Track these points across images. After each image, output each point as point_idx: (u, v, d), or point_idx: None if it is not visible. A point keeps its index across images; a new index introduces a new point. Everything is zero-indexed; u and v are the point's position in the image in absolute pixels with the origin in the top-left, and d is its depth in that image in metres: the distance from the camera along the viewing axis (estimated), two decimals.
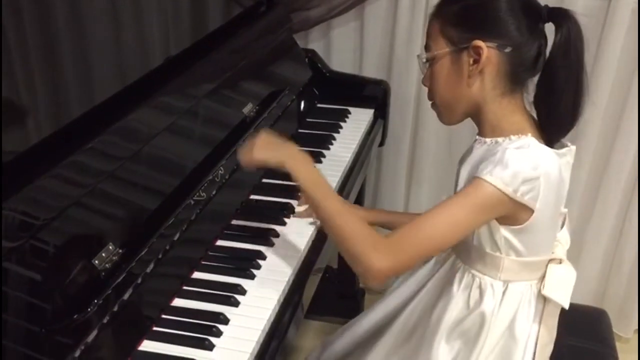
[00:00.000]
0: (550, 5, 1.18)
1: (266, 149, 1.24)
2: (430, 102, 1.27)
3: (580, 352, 1.43)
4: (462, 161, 1.27)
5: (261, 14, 1.89)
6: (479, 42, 1.15)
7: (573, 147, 1.23)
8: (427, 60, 1.22)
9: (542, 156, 1.14)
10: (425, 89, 1.28)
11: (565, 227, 1.31)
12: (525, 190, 1.11)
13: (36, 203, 1.03)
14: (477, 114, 1.22)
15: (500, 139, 1.18)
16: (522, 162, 1.11)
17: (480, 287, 1.24)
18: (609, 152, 2.02)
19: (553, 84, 1.16)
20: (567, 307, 1.25)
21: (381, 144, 2.02)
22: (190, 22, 1.62)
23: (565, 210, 1.30)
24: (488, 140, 1.20)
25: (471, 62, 1.17)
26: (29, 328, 0.96)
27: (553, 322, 1.27)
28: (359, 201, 2.00)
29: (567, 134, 1.21)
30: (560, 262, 1.26)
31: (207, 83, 1.50)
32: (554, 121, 1.19)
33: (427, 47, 1.23)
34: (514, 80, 1.18)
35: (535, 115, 1.22)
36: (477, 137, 1.24)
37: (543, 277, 1.25)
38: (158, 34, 1.49)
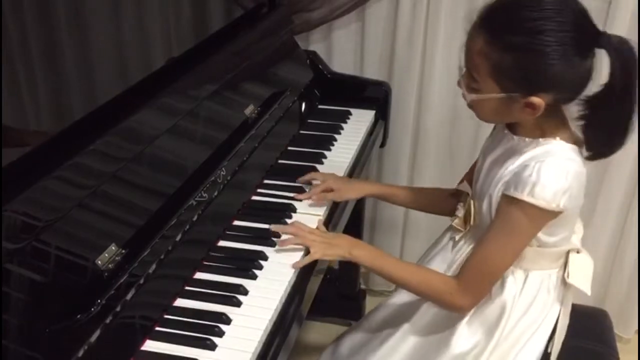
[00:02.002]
0: None
1: (328, 247, 1.30)
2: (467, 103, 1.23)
3: (581, 352, 1.43)
4: (485, 152, 1.29)
5: (263, 15, 1.89)
6: (538, 100, 1.12)
7: None
8: (474, 99, 1.18)
9: (569, 161, 1.17)
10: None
11: (578, 217, 1.35)
12: (566, 199, 1.16)
13: (39, 204, 1.03)
14: (515, 124, 1.23)
15: (528, 140, 1.20)
16: (556, 177, 1.15)
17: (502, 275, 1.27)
18: None
19: (610, 113, 1.14)
20: (589, 293, 1.30)
21: (382, 145, 2.02)
22: (193, 24, 1.63)
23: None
24: (516, 138, 1.22)
25: (523, 105, 1.14)
26: (32, 328, 0.97)
27: (569, 307, 1.33)
28: (359, 202, 2.01)
29: (610, 155, 1.22)
30: (578, 252, 1.31)
31: (209, 84, 1.50)
32: (605, 144, 1.19)
33: (471, 75, 1.16)
34: (561, 105, 1.18)
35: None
36: (506, 131, 1.24)
37: (564, 266, 1.29)
38: (160, 36, 1.49)
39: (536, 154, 1.17)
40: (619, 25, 1.83)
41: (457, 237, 1.36)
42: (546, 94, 1.12)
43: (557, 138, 1.18)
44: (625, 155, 1.99)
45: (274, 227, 1.35)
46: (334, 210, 1.51)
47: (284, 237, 1.33)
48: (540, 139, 1.19)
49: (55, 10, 1.15)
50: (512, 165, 1.19)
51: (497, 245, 1.21)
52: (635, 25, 1.84)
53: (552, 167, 1.15)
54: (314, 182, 1.53)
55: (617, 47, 1.10)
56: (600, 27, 1.13)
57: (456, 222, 1.36)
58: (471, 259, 1.25)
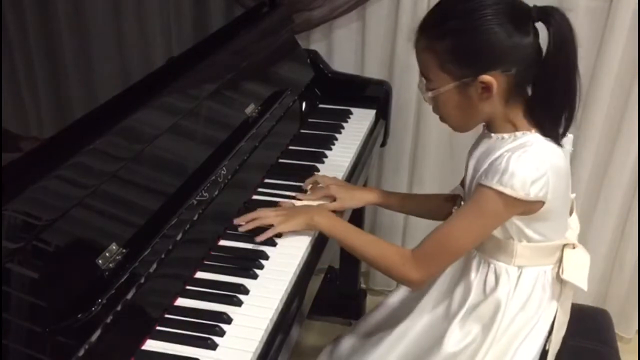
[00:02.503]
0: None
1: (289, 219, 1.33)
2: (439, 117, 1.28)
3: (582, 352, 1.43)
4: (470, 153, 1.31)
5: (263, 14, 1.89)
6: (487, 78, 1.15)
7: (571, 136, 1.25)
8: (432, 96, 1.22)
9: (544, 152, 1.18)
10: None
11: (574, 213, 1.36)
12: (537, 189, 1.16)
13: (40, 204, 1.03)
14: (488, 121, 1.26)
15: (506, 135, 1.22)
16: (526, 165, 1.15)
17: (495, 273, 1.28)
18: (610, 153, 2.02)
19: (547, 82, 1.17)
20: (585, 288, 1.30)
21: (383, 144, 2.02)
22: (193, 23, 1.63)
23: (573, 195, 1.34)
24: (494, 135, 1.24)
25: (479, 90, 1.17)
26: (32, 328, 0.97)
27: (568, 304, 1.33)
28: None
29: (566, 132, 1.23)
30: (574, 247, 1.31)
31: (209, 84, 1.50)
32: (551, 119, 1.20)
33: (425, 77, 1.22)
34: (522, 87, 1.20)
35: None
36: (485, 130, 1.27)
37: (559, 262, 1.30)
38: (161, 35, 1.49)
39: (512, 146, 1.19)
40: (620, 25, 1.83)
41: None
42: (494, 71, 1.15)
43: (533, 131, 1.20)
44: (625, 156, 1.99)
45: (238, 221, 1.35)
46: (334, 212, 1.50)
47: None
48: (517, 133, 1.20)
49: (55, 9, 1.15)
50: (490, 159, 1.20)
51: (462, 223, 1.22)
52: (636, 26, 1.84)
53: (522, 157, 1.15)
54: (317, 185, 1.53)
55: (552, 16, 1.14)
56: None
57: None
58: (433, 233, 1.24)
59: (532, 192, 1.15)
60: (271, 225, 1.33)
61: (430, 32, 1.19)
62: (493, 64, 1.15)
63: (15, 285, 0.96)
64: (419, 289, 1.33)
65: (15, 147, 1.03)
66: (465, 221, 1.22)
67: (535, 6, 1.16)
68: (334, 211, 1.46)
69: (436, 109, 1.26)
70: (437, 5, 1.23)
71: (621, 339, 2.15)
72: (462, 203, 1.33)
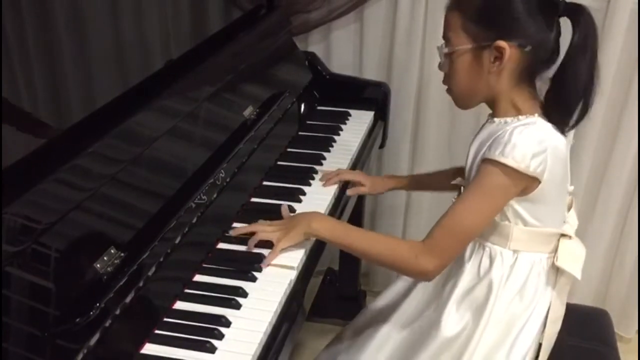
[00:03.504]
0: None
1: (287, 233, 1.29)
2: (446, 88, 1.30)
3: (581, 352, 1.43)
4: (472, 141, 1.31)
5: (261, 17, 1.89)
6: (503, 43, 1.18)
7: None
8: (448, 54, 1.24)
9: (547, 131, 1.21)
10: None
11: (573, 210, 1.37)
12: (536, 163, 1.17)
13: (38, 207, 1.03)
14: (492, 100, 1.27)
15: (509, 119, 1.24)
16: (528, 138, 1.17)
17: (490, 255, 1.28)
18: (609, 152, 2.02)
19: (568, 77, 1.20)
20: (579, 278, 1.30)
21: (381, 145, 2.02)
22: (191, 26, 1.63)
23: (572, 188, 1.35)
24: (496, 120, 1.26)
25: (492, 59, 1.20)
26: (31, 332, 0.97)
27: (564, 296, 1.33)
28: (359, 203, 2.01)
29: (577, 125, 1.25)
30: (571, 238, 1.31)
31: (207, 86, 1.50)
32: (564, 113, 1.22)
33: (446, 38, 1.24)
34: (531, 73, 1.23)
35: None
36: (489, 117, 1.29)
37: (555, 251, 1.30)
38: (159, 38, 1.49)
39: (514, 125, 1.21)
40: (618, 25, 1.83)
41: None
42: (511, 41, 1.18)
43: (536, 115, 1.22)
44: (625, 155, 1.99)
45: (234, 233, 1.34)
46: (336, 207, 1.51)
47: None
48: (520, 117, 1.22)
49: (53, 11, 1.15)
50: (493, 138, 1.21)
51: (469, 205, 1.22)
52: (635, 25, 1.84)
53: (525, 131, 1.18)
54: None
55: (578, 12, 1.18)
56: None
57: None
58: (442, 219, 1.23)
59: (532, 166, 1.17)
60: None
61: None
62: (511, 33, 1.18)
63: (13, 289, 0.96)
64: (431, 279, 1.28)
65: (13, 150, 1.03)
66: (471, 202, 1.22)
67: (564, 1, 1.19)
68: (337, 202, 1.48)
69: (446, 76, 1.28)
70: None
71: (621, 339, 2.15)
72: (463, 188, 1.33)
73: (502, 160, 1.16)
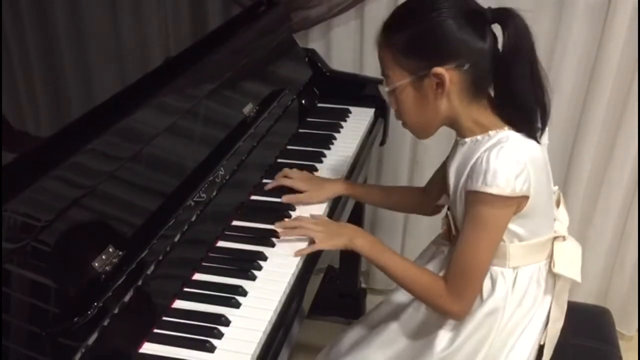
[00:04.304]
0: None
1: (331, 237, 1.32)
2: (401, 122, 1.28)
3: (583, 350, 1.43)
4: (448, 163, 1.29)
5: (261, 13, 1.88)
6: (440, 70, 1.16)
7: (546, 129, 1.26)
8: (390, 91, 1.23)
9: (520, 146, 1.18)
10: None
11: (562, 206, 1.36)
12: (520, 184, 1.16)
13: (37, 205, 1.02)
14: (451, 124, 1.25)
15: (479, 137, 1.21)
16: (505, 161, 1.15)
17: (491, 277, 1.27)
18: (610, 151, 2.02)
19: (510, 82, 1.18)
20: (579, 280, 1.29)
21: (382, 143, 2.01)
22: (190, 22, 1.62)
23: (556, 187, 1.34)
24: (468, 140, 1.23)
25: (434, 86, 1.18)
26: (29, 331, 0.96)
27: (564, 297, 1.32)
28: (359, 211, 2.02)
29: (545, 128, 1.23)
30: (564, 239, 1.30)
31: (207, 83, 1.49)
32: (523, 118, 1.20)
33: (385, 75, 1.23)
34: (479, 87, 1.20)
35: None
36: (457, 138, 1.27)
37: (551, 256, 1.29)
38: (158, 35, 1.49)
39: (488, 145, 1.19)
40: (619, 23, 1.82)
41: (445, 251, 1.36)
42: (448, 65, 1.15)
43: (506, 128, 1.20)
44: (625, 154, 1.99)
45: (278, 225, 1.35)
46: (333, 209, 1.50)
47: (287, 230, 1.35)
48: (490, 132, 1.20)
49: (52, 9, 1.14)
50: (470, 163, 1.20)
51: (471, 244, 1.21)
52: (636, 24, 1.83)
53: (500, 154, 1.15)
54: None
55: (506, 16, 1.15)
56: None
57: (441, 236, 1.38)
58: (451, 265, 1.24)
59: (517, 187, 1.15)
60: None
61: (388, 28, 1.21)
62: (445, 57, 1.16)
63: (11, 287, 0.95)
64: (460, 319, 1.29)
65: (11, 148, 1.03)
66: (473, 240, 1.21)
67: (489, 8, 1.17)
68: (335, 203, 1.45)
69: (397, 112, 1.26)
70: (397, 7, 1.26)
71: (622, 337, 2.15)
72: (448, 212, 1.33)
73: (487, 190, 1.15)
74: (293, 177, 1.51)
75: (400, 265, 1.30)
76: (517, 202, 1.19)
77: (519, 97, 1.19)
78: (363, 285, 2.35)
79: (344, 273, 2.24)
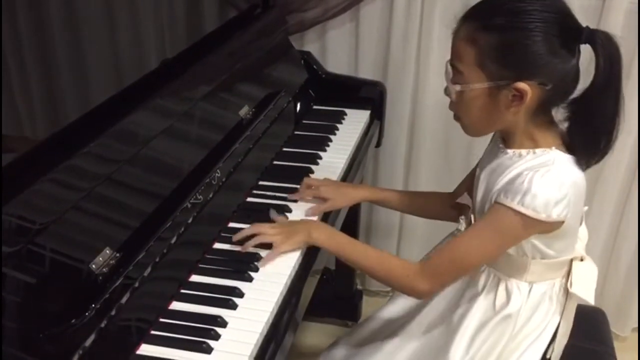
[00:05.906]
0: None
1: (288, 237, 1.29)
2: (454, 114, 1.23)
3: (578, 351, 1.43)
4: (482, 165, 1.27)
5: (256, 16, 1.89)
6: (524, 85, 1.10)
7: None
8: (460, 89, 1.16)
9: (566, 172, 1.15)
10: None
11: (583, 223, 1.33)
12: (559, 210, 1.13)
13: (33, 207, 1.02)
14: (505, 132, 1.22)
15: (524, 152, 1.18)
16: (549, 187, 1.12)
17: (507, 289, 1.25)
18: None
19: (593, 110, 1.14)
20: (592, 303, 1.28)
21: (378, 145, 2.02)
22: (186, 25, 1.62)
23: (586, 208, 1.31)
24: (509, 151, 1.20)
25: (510, 97, 1.13)
26: (26, 333, 0.96)
27: (572, 314, 1.31)
28: (355, 205, 1.99)
29: (602, 158, 1.20)
30: (582, 259, 1.29)
31: (203, 86, 1.50)
32: (588, 146, 1.17)
33: (456, 69, 1.16)
34: (551, 105, 1.17)
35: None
36: (501, 145, 1.23)
37: (567, 274, 1.27)
38: (154, 37, 1.49)
39: (532, 164, 1.15)
40: (612, 23, 1.83)
41: None
42: (532, 81, 1.10)
43: (553, 148, 1.17)
44: (621, 153, 1.99)
45: (235, 238, 1.31)
46: (328, 213, 1.50)
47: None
48: (537, 150, 1.17)
49: (48, 12, 1.15)
50: (508, 176, 1.17)
51: (477, 241, 1.19)
52: (629, 24, 1.84)
53: (545, 177, 1.12)
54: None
55: (603, 42, 1.09)
56: (594, 25, 1.13)
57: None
58: (445, 248, 1.23)
59: (555, 213, 1.12)
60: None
61: (475, 22, 1.13)
62: (534, 73, 1.10)
63: (8, 289, 0.95)
64: (424, 299, 1.30)
65: (8, 150, 1.03)
66: (480, 239, 1.19)
67: (587, 28, 1.11)
68: (327, 213, 1.45)
69: (455, 105, 1.20)
70: (490, 1, 1.17)
71: (617, 338, 2.16)
72: (472, 215, 1.29)
73: (522, 210, 1.12)
74: (316, 185, 1.49)
75: (362, 251, 1.30)
76: (546, 227, 1.16)
77: (595, 126, 1.15)
78: (359, 287, 2.35)
79: (340, 275, 2.24)
